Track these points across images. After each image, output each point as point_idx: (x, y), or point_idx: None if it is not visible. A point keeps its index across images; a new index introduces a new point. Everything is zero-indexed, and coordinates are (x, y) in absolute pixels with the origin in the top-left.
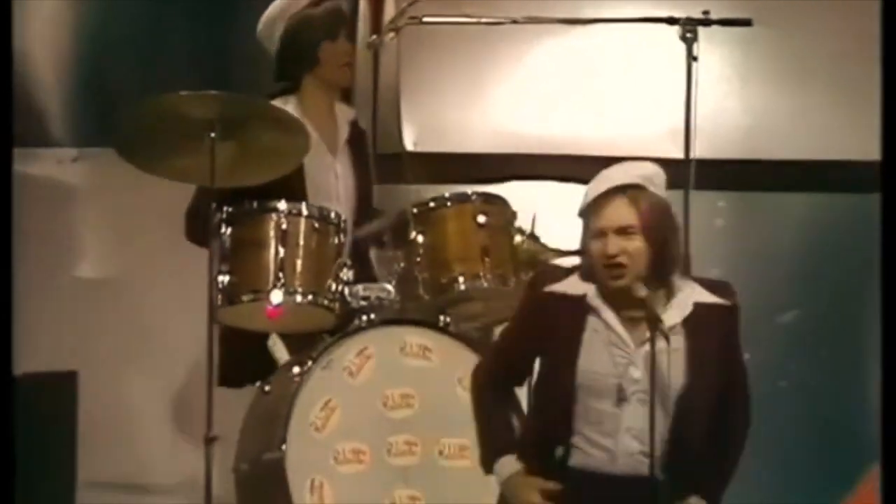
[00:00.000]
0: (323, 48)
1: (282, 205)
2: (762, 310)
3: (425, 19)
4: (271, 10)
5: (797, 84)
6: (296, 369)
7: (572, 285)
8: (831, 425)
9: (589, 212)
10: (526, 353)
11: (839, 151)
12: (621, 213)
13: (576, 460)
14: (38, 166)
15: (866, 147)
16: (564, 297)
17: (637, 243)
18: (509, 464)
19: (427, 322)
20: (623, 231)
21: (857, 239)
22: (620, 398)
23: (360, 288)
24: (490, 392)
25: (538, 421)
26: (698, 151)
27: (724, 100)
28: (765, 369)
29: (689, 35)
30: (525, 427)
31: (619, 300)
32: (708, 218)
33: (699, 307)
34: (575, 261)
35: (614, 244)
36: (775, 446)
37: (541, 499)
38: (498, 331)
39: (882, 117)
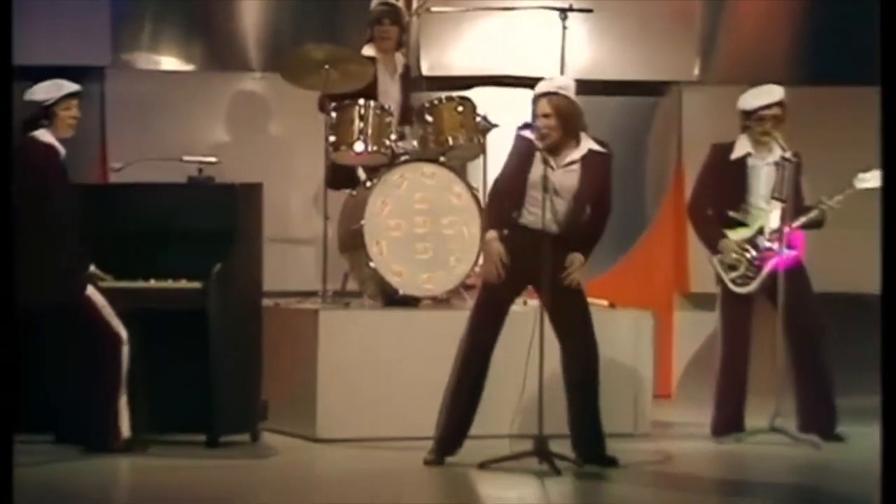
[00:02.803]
0: (375, 28)
1: (361, 101)
2: None
3: (432, 9)
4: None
5: (617, 41)
6: (367, 183)
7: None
8: (633, 204)
9: (535, 102)
10: (512, 173)
11: (637, 74)
12: (545, 106)
13: (523, 220)
14: (241, 82)
15: (652, 72)
16: (531, 143)
17: (552, 122)
18: (490, 233)
19: (434, 160)
20: (546, 115)
21: (645, 124)
22: (546, 190)
23: (400, 143)
24: (495, 199)
25: (507, 204)
26: (568, 75)
27: (581, 48)
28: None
29: (563, 16)
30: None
31: (550, 151)
32: None
33: (590, 152)
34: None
35: (543, 122)
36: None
37: (500, 246)
38: (468, 165)
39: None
